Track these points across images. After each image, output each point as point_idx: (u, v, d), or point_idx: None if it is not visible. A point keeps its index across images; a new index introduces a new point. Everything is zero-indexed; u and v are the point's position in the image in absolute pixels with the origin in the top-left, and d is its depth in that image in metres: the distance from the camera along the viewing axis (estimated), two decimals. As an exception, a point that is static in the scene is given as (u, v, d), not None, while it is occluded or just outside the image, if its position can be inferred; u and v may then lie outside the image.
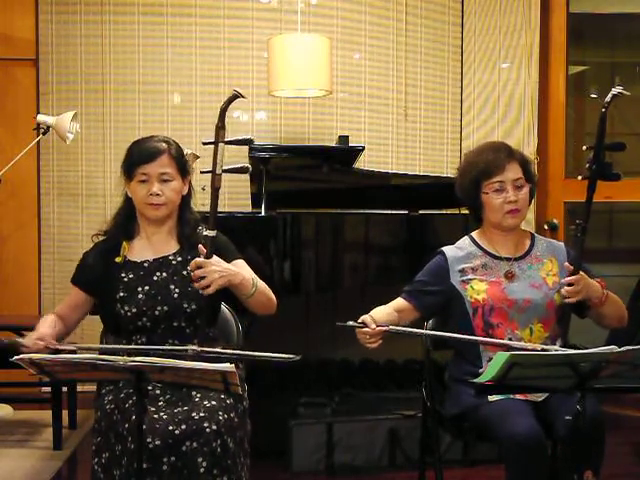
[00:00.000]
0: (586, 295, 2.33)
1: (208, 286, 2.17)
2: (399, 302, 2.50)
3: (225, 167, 2.14)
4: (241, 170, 2.17)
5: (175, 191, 2.35)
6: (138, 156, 2.33)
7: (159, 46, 4.67)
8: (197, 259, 2.18)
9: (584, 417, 1.90)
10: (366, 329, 2.22)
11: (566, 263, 2.36)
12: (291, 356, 1.91)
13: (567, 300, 2.32)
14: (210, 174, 2.12)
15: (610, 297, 2.39)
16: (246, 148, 3.57)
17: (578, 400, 1.90)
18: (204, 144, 2.28)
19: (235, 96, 2.13)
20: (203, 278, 2.16)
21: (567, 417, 1.93)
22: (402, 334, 2.25)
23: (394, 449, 3.41)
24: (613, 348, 1.81)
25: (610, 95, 2.23)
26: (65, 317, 2.39)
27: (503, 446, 2.21)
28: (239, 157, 3.93)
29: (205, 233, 2.18)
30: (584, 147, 2.29)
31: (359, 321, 2.25)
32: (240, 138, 2.18)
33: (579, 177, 2.32)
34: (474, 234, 2.58)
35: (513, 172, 2.43)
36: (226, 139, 2.12)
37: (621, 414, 4.06)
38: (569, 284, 2.29)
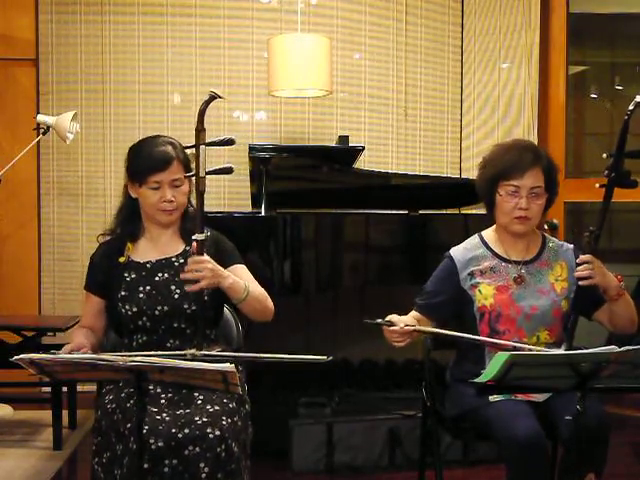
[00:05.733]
0: (603, 282, 2.29)
1: (197, 281, 2.18)
2: (414, 314, 2.46)
3: (209, 169, 2.14)
4: (224, 171, 2.17)
5: (185, 194, 2.37)
6: (150, 164, 2.31)
7: (159, 46, 4.67)
8: (195, 256, 2.19)
9: (584, 417, 1.90)
10: (394, 327, 2.24)
11: (581, 257, 2.31)
12: (321, 357, 1.87)
13: (582, 282, 2.27)
14: (194, 178, 2.13)
15: (626, 295, 2.36)
16: (246, 148, 3.58)
17: (578, 400, 1.90)
18: (185, 148, 2.28)
19: (212, 97, 2.14)
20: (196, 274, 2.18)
21: (567, 417, 1.93)
22: (428, 334, 2.34)
23: (394, 449, 3.41)
24: (613, 348, 1.81)
25: (634, 103, 2.19)
26: (93, 327, 2.40)
27: (504, 447, 2.21)
28: (239, 157, 3.95)
29: (194, 237, 2.19)
30: (604, 155, 2.26)
31: (386, 319, 2.27)
32: (221, 139, 2.18)
33: (597, 185, 2.29)
34: (484, 233, 2.53)
35: (533, 179, 2.36)
36: (207, 141, 2.12)
37: (621, 414, 4.06)
38: (583, 263, 2.26)
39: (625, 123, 2.22)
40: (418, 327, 2.28)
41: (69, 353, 2.15)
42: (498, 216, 2.45)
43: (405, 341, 2.27)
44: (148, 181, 2.32)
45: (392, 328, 2.25)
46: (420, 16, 4.96)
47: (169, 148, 2.34)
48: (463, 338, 2.31)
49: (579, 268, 2.27)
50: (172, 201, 2.32)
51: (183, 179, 2.34)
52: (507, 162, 2.38)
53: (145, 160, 2.33)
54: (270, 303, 2.38)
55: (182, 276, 2.22)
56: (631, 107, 2.21)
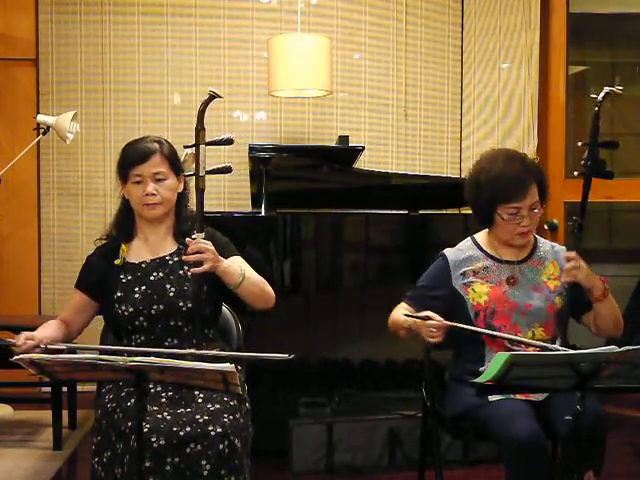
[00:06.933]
0: (587, 281, 2.32)
1: (201, 264, 2.19)
2: (403, 306, 2.48)
3: (208, 168, 2.15)
4: (224, 170, 2.19)
5: (170, 189, 2.36)
6: (130, 157, 2.35)
7: (159, 46, 4.67)
8: (196, 238, 2.21)
9: (584, 417, 1.90)
10: (432, 322, 2.24)
11: (565, 253, 2.36)
12: (285, 355, 1.88)
13: (564, 279, 2.32)
14: (194, 177, 2.15)
15: (611, 296, 2.38)
16: (246, 148, 3.58)
17: (578, 400, 1.90)
18: (185, 147, 2.30)
19: (212, 97, 2.15)
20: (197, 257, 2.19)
21: (567, 417, 1.93)
22: (465, 331, 2.31)
23: (394, 449, 3.41)
24: (613, 348, 1.81)
25: (603, 93, 2.26)
26: (70, 321, 2.39)
27: (504, 447, 2.21)
28: (239, 157, 3.96)
29: (194, 236, 2.20)
30: (579, 143, 2.32)
31: (423, 314, 2.27)
32: (221, 138, 2.19)
33: (575, 172, 2.35)
34: (477, 236, 2.56)
35: (531, 197, 2.38)
36: (206, 140, 2.13)
37: (621, 414, 4.06)
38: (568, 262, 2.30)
39: (596, 113, 2.27)
40: (456, 324, 2.29)
41: (24, 343, 2.11)
42: (498, 233, 2.47)
43: (441, 337, 2.26)
44: (130, 175, 2.34)
45: (431, 322, 2.24)
46: (420, 16, 4.96)
47: (153, 144, 2.36)
48: (497, 337, 2.32)
49: (567, 265, 2.31)
50: (154, 194, 2.32)
51: (168, 174, 2.34)
52: (504, 183, 2.37)
53: (127, 156, 2.37)
54: (269, 288, 2.38)
55: (185, 258, 2.23)
56: (600, 98, 2.26)
